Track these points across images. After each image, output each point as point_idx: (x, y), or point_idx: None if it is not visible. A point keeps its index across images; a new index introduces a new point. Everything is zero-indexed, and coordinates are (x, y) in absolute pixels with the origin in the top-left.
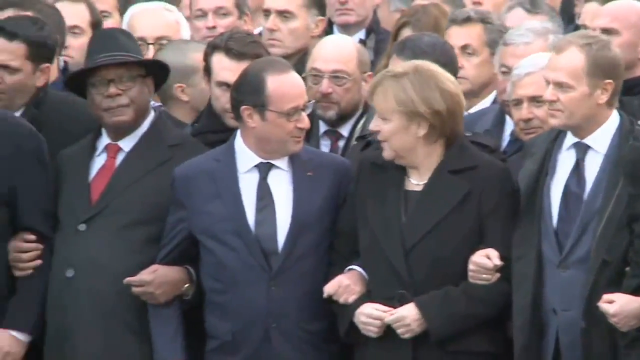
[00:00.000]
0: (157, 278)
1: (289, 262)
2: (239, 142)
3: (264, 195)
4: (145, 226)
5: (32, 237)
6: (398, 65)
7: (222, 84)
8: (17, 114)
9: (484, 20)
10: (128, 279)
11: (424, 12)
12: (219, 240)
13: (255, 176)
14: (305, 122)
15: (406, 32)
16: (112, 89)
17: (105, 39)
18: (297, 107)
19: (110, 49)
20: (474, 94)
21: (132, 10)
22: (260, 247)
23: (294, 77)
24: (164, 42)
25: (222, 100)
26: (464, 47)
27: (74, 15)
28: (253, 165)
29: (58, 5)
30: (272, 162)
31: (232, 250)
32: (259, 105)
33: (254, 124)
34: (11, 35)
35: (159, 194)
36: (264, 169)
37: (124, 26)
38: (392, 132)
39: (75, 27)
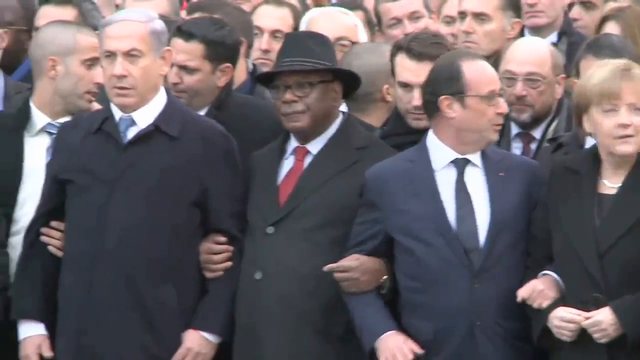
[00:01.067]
0: (362, 264)
1: (490, 259)
2: (432, 139)
3: (463, 191)
4: (332, 229)
5: (223, 239)
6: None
7: (403, 84)
8: (200, 114)
9: None
10: (330, 265)
11: (629, 9)
12: (418, 239)
13: (451, 172)
14: (503, 107)
15: (609, 27)
16: (288, 95)
17: (292, 44)
18: (494, 90)
19: (295, 54)
20: None
21: (310, 14)
22: (461, 245)
23: (486, 63)
24: (345, 42)
25: (404, 100)
26: None
27: (277, 19)
28: (449, 161)
29: (262, 9)
30: (468, 157)
31: (433, 248)
32: (457, 92)
33: (454, 114)
34: (188, 36)
35: (346, 197)
36: (461, 165)
37: (302, 28)
38: None
39: (277, 31)
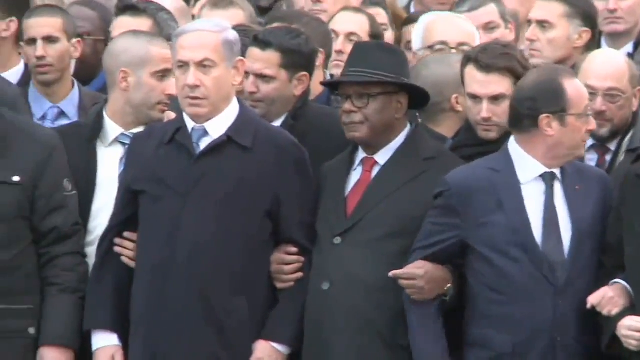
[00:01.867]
0: (427, 272)
1: (574, 274)
2: (517, 150)
3: (550, 206)
4: (399, 239)
5: (294, 249)
6: None
7: (472, 96)
8: (277, 123)
9: None
10: (395, 271)
11: None
12: (502, 252)
13: (539, 186)
14: (593, 124)
15: None
16: (347, 105)
17: (358, 54)
18: (588, 106)
19: (359, 64)
20: None
21: (426, 18)
22: (546, 260)
23: (578, 79)
24: (466, 48)
25: (474, 112)
26: None
27: (353, 23)
28: (537, 174)
29: (340, 14)
30: (554, 171)
31: (517, 262)
32: (559, 111)
33: (552, 132)
34: (264, 44)
35: (413, 207)
36: (549, 179)
37: (419, 32)
38: None
39: (352, 34)
